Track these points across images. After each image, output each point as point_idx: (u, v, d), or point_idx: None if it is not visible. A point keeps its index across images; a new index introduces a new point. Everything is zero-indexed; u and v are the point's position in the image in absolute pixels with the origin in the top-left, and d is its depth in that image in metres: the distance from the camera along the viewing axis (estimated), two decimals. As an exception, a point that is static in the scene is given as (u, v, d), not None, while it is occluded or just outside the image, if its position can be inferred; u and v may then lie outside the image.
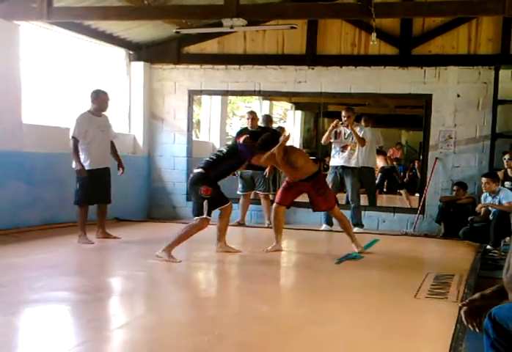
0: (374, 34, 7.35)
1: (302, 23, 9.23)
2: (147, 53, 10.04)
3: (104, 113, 7.28)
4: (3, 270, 5.38)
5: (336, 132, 8.90)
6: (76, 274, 5.55)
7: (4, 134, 7.35)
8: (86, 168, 6.94)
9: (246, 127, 8.98)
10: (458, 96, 9.04)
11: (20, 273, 5.33)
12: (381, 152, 12.29)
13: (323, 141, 9.18)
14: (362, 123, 9.94)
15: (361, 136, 8.81)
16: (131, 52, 9.97)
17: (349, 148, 8.85)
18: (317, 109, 13.14)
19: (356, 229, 8.79)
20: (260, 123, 9.19)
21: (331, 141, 8.99)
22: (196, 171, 6.23)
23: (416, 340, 3.73)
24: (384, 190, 13.57)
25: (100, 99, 7.10)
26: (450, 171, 9.13)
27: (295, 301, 4.77)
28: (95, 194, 7.08)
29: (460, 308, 2.92)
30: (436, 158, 9.15)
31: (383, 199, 12.09)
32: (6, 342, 3.51)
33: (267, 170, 8.79)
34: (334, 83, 9.48)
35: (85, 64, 9.40)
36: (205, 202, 5.96)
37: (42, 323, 3.92)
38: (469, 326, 2.81)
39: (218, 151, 6.49)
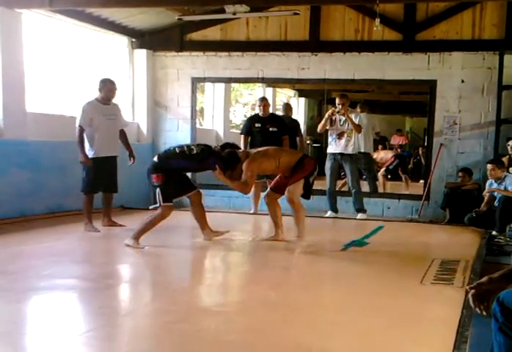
0: (378, 20, 7.33)
1: (305, 9, 9.17)
2: (149, 40, 9.99)
3: (114, 101, 7.28)
4: (10, 259, 5.41)
5: (331, 119, 8.86)
6: (83, 262, 5.57)
7: (8, 123, 7.37)
8: (92, 156, 6.95)
9: (257, 114, 8.95)
10: (463, 82, 9.00)
11: (28, 261, 5.35)
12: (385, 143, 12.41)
13: (318, 129, 9.13)
14: (358, 109, 9.93)
15: (357, 122, 8.78)
16: (134, 39, 9.94)
17: (345, 135, 8.79)
18: (321, 96, 13.08)
19: (359, 216, 8.83)
20: (280, 112, 9.15)
21: (327, 128, 8.95)
22: (153, 159, 6.24)
23: (422, 326, 3.72)
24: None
25: (106, 88, 7.08)
26: (454, 157, 9.11)
27: (302, 288, 4.76)
28: (101, 182, 7.08)
29: (467, 292, 2.92)
30: (441, 144, 9.12)
31: (387, 186, 12.06)
32: (15, 329, 3.54)
33: None
34: (338, 70, 9.45)
35: (88, 52, 9.37)
36: (157, 190, 5.98)
37: (51, 310, 3.94)
38: (477, 309, 2.81)
39: (188, 147, 6.19)
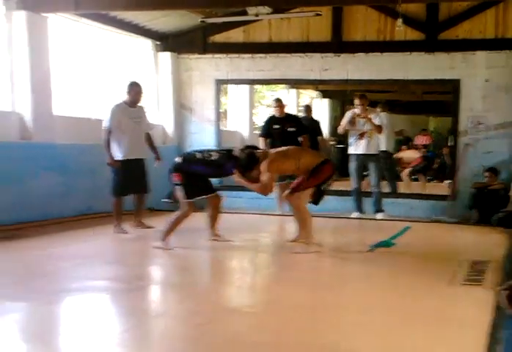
0: (400, 20, 7.31)
1: (327, 10, 9.20)
2: (173, 43, 10.06)
3: (140, 104, 7.38)
4: (41, 261, 5.47)
5: (351, 120, 8.89)
6: (113, 263, 5.61)
7: (36, 126, 7.46)
8: (120, 158, 7.04)
9: (274, 115, 8.98)
10: (487, 81, 8.94)
11: (58, 263, 5.42)
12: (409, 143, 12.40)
13: (339, 130, 9.16)
14: (378, 109, 9.92)
15: (377, 122, 8.78)
16: (158, 42, 10.01)
17: (366, 135, 8.81)
18: (344, 97, 13.09)
19: (379, 216, 8.83)
20: (302, 113, 9.17)
21: (348, 128, 8.96)
22: (175, 159, 6.29)
23: (451, 327, 3.68)
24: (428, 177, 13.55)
25: (133, 91, 7.20)
26: (480, 157, 9.02)
27: (328, 288, 4.75)
28: (130, 185, 7.15)
29: (498, 293, 2.92)
30: (466, 144, 9.07)
31: (412, 186, 12.01)
32: (48, 330, 3.60)
33: None
34: (361, 70, 9.43)
35: (113, 55, 9.45)
36: (177, 188, 6.07)
37: (83, 312, 3.98)
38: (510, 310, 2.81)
39: (207, 153, 6.23)
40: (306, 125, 9.17)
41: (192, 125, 10.23)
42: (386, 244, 6.46)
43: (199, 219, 6.52)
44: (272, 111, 9.11)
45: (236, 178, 6.03)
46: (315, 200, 6.33)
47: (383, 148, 9.64)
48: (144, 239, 6.73)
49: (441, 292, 4.56)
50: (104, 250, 6.26)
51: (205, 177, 6.31)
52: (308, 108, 10.37)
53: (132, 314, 3.90)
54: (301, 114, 10.38)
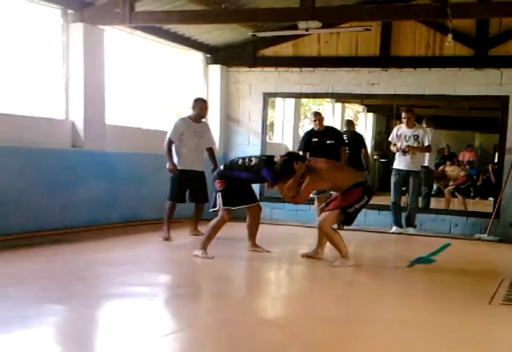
0: (450, 35, 7.32)
1: (376, 25, 9.23)
2: (223, 56, 10.25)
3: (204, 120, 7.72)
4: (85, 266, 5.57)
5: (396, 135, 8.95)
6: (154, 271, 5.67)
7: (88, 135, 7.70)
8: (178, 167, 7.30)
9: (313, 129, 9.06)
10: (536, 98, 8.86)
11: (102, 269, 5.55)
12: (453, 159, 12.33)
13: (392, 149, 9.20)
14: (424, 124, 9.90)
15: (429, 139, 8.88)
16: (208, 55, 10.21)
17: (410, 151, 8.84)
18: (390, 111, 13.06)
19: (410, 230, 8.88)
20: (343, 127, 9.24)
21: (395, 142, 9.02)
22: (219, 167, 6.50)
23: (492, 348, 3.64)
24: (472, 194, 13.43)
25: (197, 107, 7.51)
26: (526, 175, 8.92)
27: (364, 303, 4.72)
28: (185, 193, 7.41)
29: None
30: (513, 162, 8.98)
31: (454, 203, 11.91)
32: (86, 334, 3.65)
33: None
34: (408, 85, 9.44)
35: (165, 66, 9.68)
36: (218, 195, 6.18)
37: (124, 317, 4.01)
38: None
39: (248, 159, 6.29)
40: (349, 139, 9.24)
41: (239, 137, 10.37)
42: (425, 260, 6.43)
43: (239, 229, 6.60)
44: (311, 125, 9.18)
45: (268, 185, 6.10)
46: (344, 221, 6.29)
47: (425, 163, 9.64)
48: (187, 247, 6.79)
49: (481, 312, 4.49)
50: (147, 257, 6.32)
51: (247, 185, 6.41)
52: (350, 123, 10.56)
53: (168, 322, 3.97)
54: (344, 128, 10.52)
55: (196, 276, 5.75)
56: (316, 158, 6.76)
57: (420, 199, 10.09)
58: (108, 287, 4.83)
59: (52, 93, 7.74)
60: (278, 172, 5.98)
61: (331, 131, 9.10)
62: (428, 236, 8.66)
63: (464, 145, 15.70)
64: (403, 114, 8.89)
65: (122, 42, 8.82)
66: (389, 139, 9.19)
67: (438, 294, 5.10)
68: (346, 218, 6.13)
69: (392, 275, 5.90)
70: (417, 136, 8.91)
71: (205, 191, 7.55)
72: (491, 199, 9.96)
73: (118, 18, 7.67)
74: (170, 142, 7.32)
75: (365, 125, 15.77)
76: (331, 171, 6.19)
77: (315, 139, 8.90)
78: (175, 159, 7.33)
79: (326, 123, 9.16)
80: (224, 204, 6.13)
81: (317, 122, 8.89)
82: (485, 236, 8.79)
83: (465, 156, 15.28)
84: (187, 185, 7.40)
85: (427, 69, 9.35)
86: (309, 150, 8.93)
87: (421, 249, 6.67)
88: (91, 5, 7.66)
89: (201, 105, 7.52)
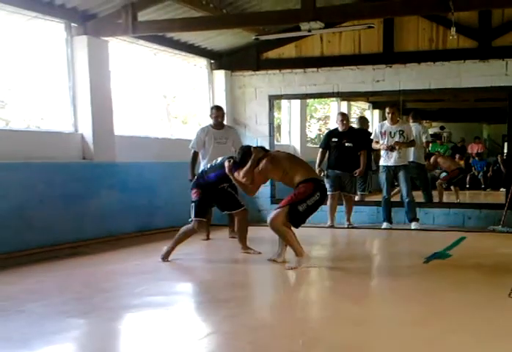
0: (453, 28, 7.28)
1: (378, 22, 9.24)
2: (227, 61, 10.29)
3: (229, 126, 8.08)
4: (103, 277, 5.58)
5: (380, 132, 8.90)
6: (171, 279, 5.65)
7: (97, 146, 7.73)
8: None
9: (336, 129, 9.07)
10: (543, 87, 8.84)
11: (120, 279, 5.55)
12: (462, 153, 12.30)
13: (373, 146, 9.15)
14: (410, 119, 9.88)
15: (411, 135, 8.91)
16: (212, 61, 10.24)
17: (397, 147, 8.79)
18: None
19: (413, 225, 8.82)
20: (355, 125, 9.23)
21: (378, 141, 8.96)
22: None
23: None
24: (467, 186, 13.47)
25: (212, 114, 7.79)
26: (537, 164, 8.91)
27: (385, 302, 4.70)
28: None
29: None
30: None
31: (466, 196, 11.86)
32: (109, 348, 3.64)
33: (358, 170, 8.88)
34: (413, 80, 9.43)
35: (169, 74, 9.70)
36: (192, 205, 6.22)
37: (142, 328, 3.98)
38: None
39: (216, 160, 6.41)
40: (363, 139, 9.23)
41: (247, 140, 10.27)
42: (441, 256, 6.39)
43: (256, 232, 6.56)
44: (337, 125, 9.19)
45: (227, 170, 6.04)
46: (293, 221, 5.81)
47: (411, 159, 9.52)
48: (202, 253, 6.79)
49: (500, 304, 4.45)
50: (162, 266, 6.20)
51: (229, 191, 6.44)
52: (363, 120, 10.37)
53: (190, 330, 3.94)
54: (355, 126, 10.44)
55: (212, 283, 5.55)
56: (279, 150, 6.67)
57: (422, 194, 10.08)
58: (128, 298, 4.81)
59: (60, 106, 7.79)
60: (238, 161, 6.00)
61: (352, 133, 9.13)
62: (441, 230, 8.62)
63: (472, 137, 15.68)
64: (388, 109, 8.87)
65: (127, 52, 8.85)
66: (371, 137, 9.15)
67: (456, 288, 5.03)
68: (297, 218, 5.77)
69: (409, 271, 5.80)
70: (402, 131, 8.82)
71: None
72: (503, 189, 9.92)
73: (121, 29, 7.70)
74: (194, 152, 7.63)
75: (372, 122, 15.74)
76: (287, 162, 5.96)
77: (334, 139, 8.96)
78: (202, 166, 7.42)
79: (333, 122, 9.16)
80: (195, 216, 6.18)
81: (343, 122, 8.91)
82: (499, 228, 8.75)
83: (473, 148, 15.28)
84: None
85: (431, 63, 9.33)
86: (329, 149, 8.98)
87: (435, 244, 6.58)
88: (94, 17, 7.69)
89: (213, 113, 7.77)
